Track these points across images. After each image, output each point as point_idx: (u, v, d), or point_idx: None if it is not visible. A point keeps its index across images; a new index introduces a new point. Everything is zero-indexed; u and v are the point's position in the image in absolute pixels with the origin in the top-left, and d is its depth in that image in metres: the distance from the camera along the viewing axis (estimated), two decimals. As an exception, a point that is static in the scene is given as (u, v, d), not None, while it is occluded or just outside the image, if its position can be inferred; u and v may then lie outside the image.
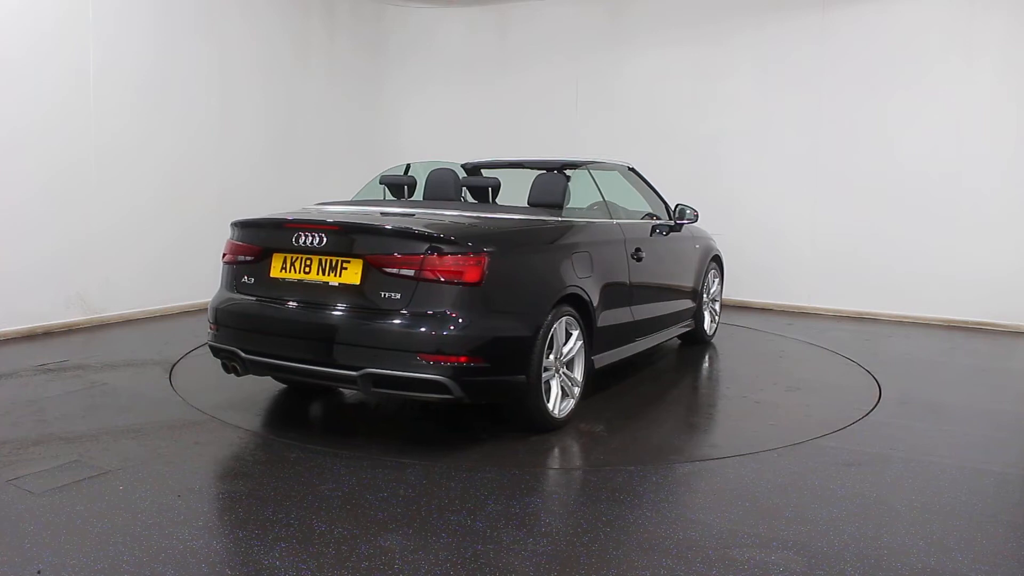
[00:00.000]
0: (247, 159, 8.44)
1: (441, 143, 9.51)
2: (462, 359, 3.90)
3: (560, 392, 4.46)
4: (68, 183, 6.84)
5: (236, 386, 5.15)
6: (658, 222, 6.02)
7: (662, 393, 5.44)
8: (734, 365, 6.41)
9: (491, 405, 4.43)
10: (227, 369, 4.48)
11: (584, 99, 9.60)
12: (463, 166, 5.91)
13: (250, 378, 5.18)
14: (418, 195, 5.56)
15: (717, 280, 7.03)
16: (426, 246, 3.96)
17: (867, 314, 8.34)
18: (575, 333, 4.55)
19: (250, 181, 8.32)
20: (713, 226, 7.38)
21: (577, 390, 4.60)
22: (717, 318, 7.11)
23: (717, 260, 6.98)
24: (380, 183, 5.60)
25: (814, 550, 3.07)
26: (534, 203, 5.01)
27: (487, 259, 3.99)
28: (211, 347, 4.51)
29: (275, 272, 4.27)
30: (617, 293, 5.13)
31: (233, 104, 8.28)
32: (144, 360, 5.87)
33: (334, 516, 3.28)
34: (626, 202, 6.04)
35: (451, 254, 3.94)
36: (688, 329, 6.49)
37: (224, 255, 4.56)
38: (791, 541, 3.15)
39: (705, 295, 6.70)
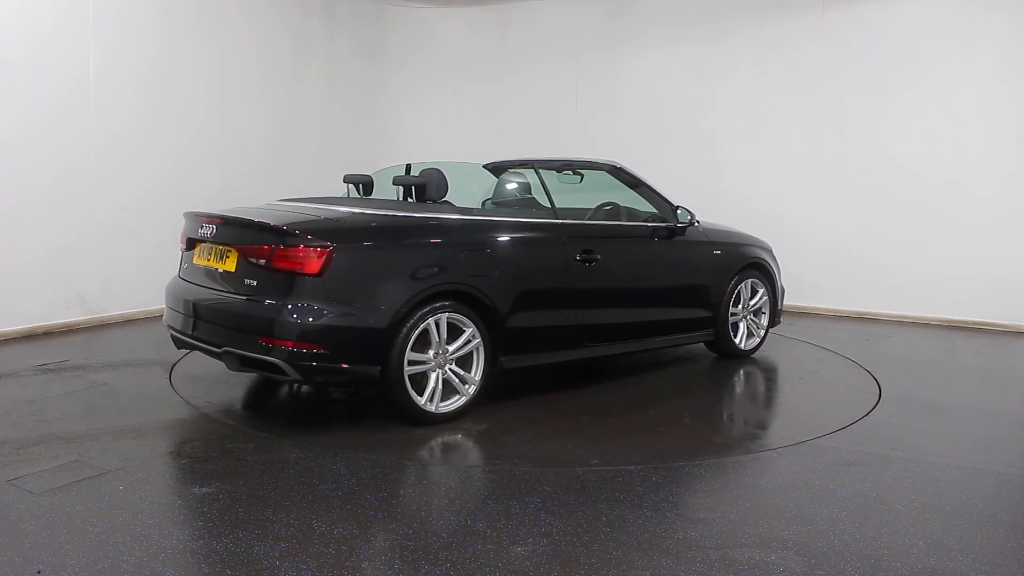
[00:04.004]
0: (247, 159, 8.43)
1: (441, 143, 9.50)
2: (296, 344, 4.14)
3: (441, 388, 4.48)
4: (68, 183, 6.84)
5: (236, 386, 5.17)
6: (649, 224, 5.79)
7: (607, 399, 5.19)
8: (726, 366, 6.39)
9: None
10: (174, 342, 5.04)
11: (584, 99, 9.59)
12: (485, 166, 5.92)
13: (250, 378, 5.23)
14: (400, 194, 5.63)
15: (761, 290, 6.37)
16: (274, 238, 4.30)
17: (867, 314, 8.34)
18: (468, 331, 4.55)
19: (250, 181, 8.30)
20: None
21: (472, 388, 4.60)
22: (761, 331, 6.43)
23: (759, 267, 6.36)
24: (344, 182, 5.77)
25: (814, 550, 3.07)
26: (495, 201, 5.17)
27: (330, 252, 4.20)
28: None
29: (195, 259, 4.82)
30: (545, 294, 5.00)
31: (233, 104, 8.28)
32: (144, 360, 5.88)
33: (334, 516, 3.28)
34: (636, 204, 5.92)
35: (292, 246, 4.23)
36: (709, 339, 6.15)
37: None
38: (791, 541, 3.15)
39: (738, 305, 6.24)
